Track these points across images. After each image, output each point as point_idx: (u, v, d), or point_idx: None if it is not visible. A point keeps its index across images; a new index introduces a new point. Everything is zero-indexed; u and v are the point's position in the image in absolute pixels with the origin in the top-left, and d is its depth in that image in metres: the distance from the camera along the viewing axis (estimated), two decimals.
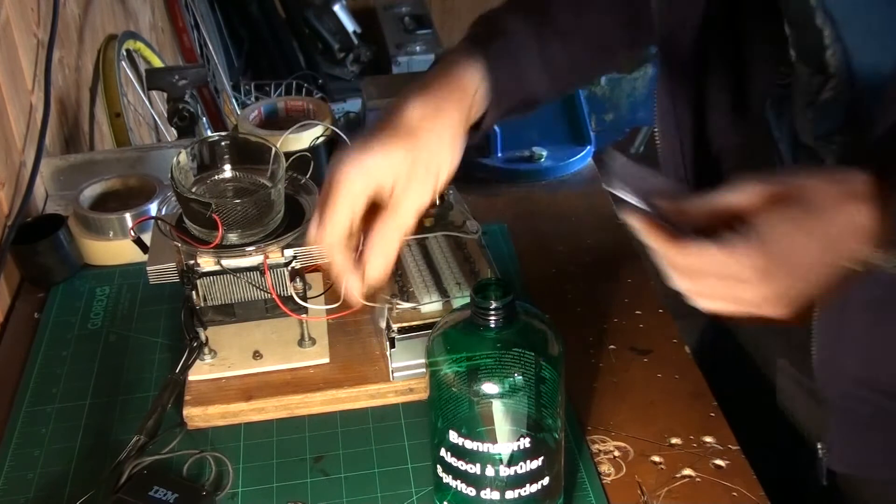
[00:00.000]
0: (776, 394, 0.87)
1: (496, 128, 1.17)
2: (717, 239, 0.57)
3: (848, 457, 0.79)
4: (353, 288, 0.68)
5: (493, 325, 0.64)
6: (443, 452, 0.67)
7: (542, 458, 0.67)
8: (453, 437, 0.66)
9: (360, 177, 0.66)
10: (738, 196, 0.58)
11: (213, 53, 2.67)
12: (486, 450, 0.65)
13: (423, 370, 0.78)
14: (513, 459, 0.66)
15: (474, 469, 0.66)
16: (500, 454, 0.65)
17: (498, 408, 0.65)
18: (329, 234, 0.66)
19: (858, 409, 0.76)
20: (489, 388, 0.64)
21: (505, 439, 0.65)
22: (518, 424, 0.66)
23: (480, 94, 0.73)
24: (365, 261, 0.67)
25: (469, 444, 0.65)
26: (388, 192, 0.67)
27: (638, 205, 0.61)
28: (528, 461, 0.66)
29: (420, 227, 0.94)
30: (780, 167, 0.76)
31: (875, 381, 0.74)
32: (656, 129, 0.80)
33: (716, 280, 0.58)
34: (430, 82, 0.71)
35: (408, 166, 0.66)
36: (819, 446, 0.79)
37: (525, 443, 0.65)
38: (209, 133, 1.81)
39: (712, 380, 0.85)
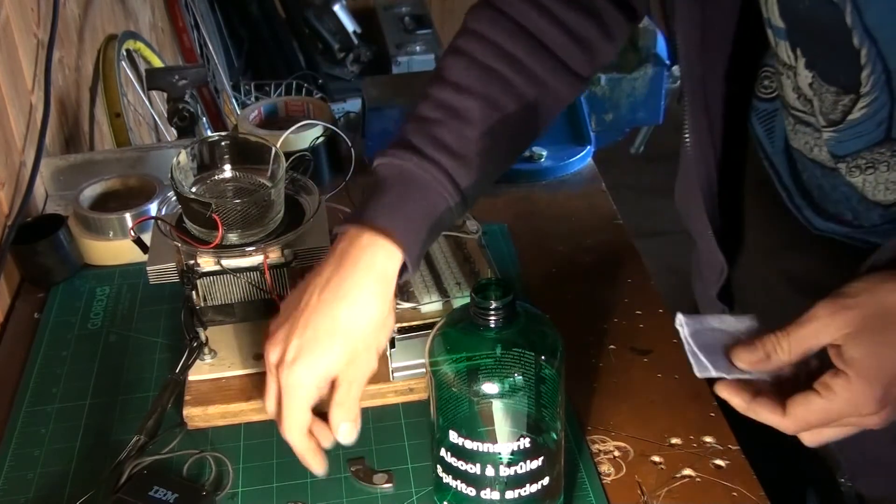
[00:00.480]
0: None
1: None
2: (819, 388, 0.59)
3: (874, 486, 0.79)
4: (316, 465, 0.72)
5: (493, 326, 0.64)
6: (443, 452, 0.67)
7: (542, 458, 0.67)
8: (453, 436, 0.66)
9: (309, 383, 0.69)
10: (818, 333, 0.59)
11: (213, 53, 2.67)
12: (486, 450, 0.65)
13: (423, 370, 0.78)
14: (513, 459, 0.66)
15: (474, 469, 0.66)
16: (500, 454, 0.65)
17: (498, 408, 0.65)
18: (291, 432, 0.70)
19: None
20: (489, 388, 0.64)
21: (505, 439, 0.65)
22: (518, 425, 0.66)
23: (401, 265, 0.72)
24: (333, 431, 0.71)
25: (469, 444, 0.65)
26: (337, 376, 0.71)
27: (730, 377, 0.62)
28: (528, 461, 0.66)
29: None
30: (781, 188, 0.75)
31: None
32: (687, 138, 0.78)
33: (837, 426, 0.60)
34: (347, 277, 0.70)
35: (349, 355, 0.69)
36: (841, 480, 0.80)
37: (525, 443, 0.65)
38: (209, 133, 1.81)
39: (712, 380, 0.85)
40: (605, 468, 0.77)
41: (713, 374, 0.62)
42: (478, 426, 0.66)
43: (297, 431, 0.70)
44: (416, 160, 0.73)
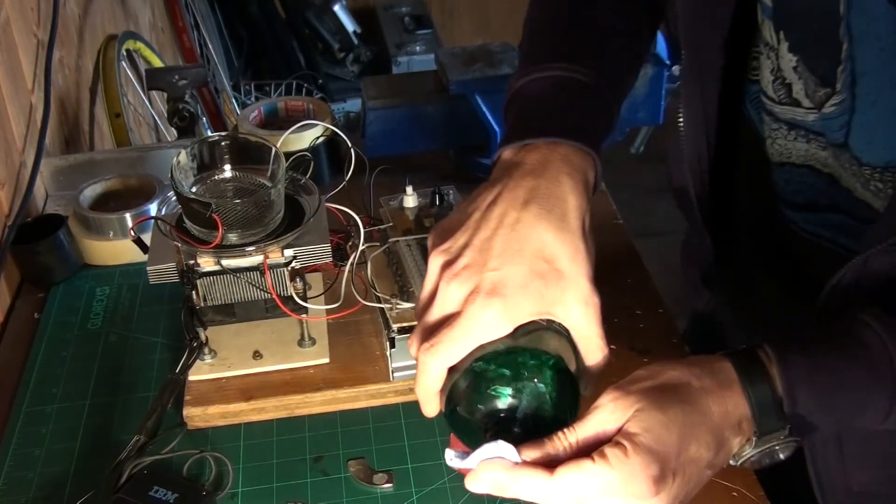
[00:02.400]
0: None
1: (496, 128, 1.17)
2: (595, 455, 0.54)
3: None
4: (433, 408, 0.63)
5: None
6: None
7: None
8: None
9: (502, 328, 0.60)
10: (604, 422, 0.56)
11: (213, 53, 2.67)
12: None
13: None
14: None
15: None
16: None
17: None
18: (440, 359, 0.60)
19: None
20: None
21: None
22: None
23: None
24: None
25: None
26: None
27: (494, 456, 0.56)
28: None
29: (420, 227, 0.94)
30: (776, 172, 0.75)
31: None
32: (681, 121, 0.77)
33: (606, 500, 0.54)
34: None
35: (558, 295, 0.61)
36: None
37: None
38: (209, 133, 1.81)
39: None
40: None
41: (476, 457, 0.56)
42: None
43: (444, 363, 0.60)
44: (565, 65, 0.69)
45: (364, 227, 0.83)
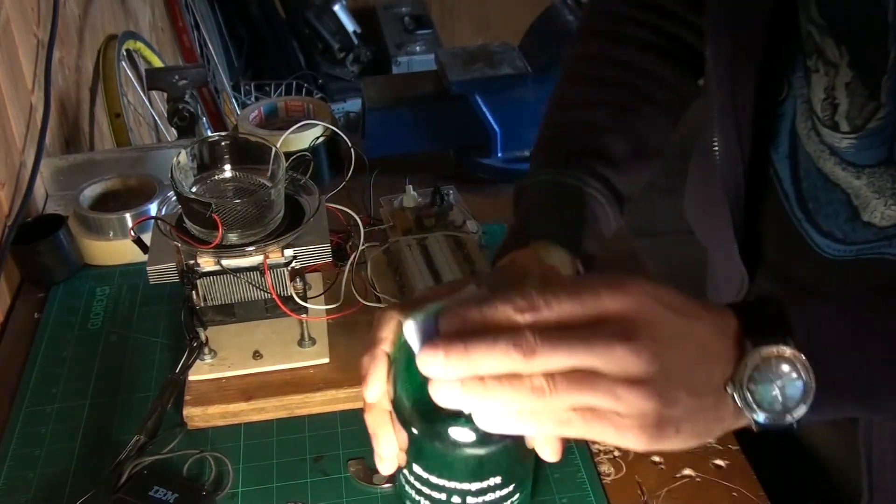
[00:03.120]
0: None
1: (496, 128, 1.17)
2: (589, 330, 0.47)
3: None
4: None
5: None
6: (406, 473, 0.64)
7: (513, 485, 0.63)
8: (417, 469, 0.62)
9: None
10: (616, 297, 0.49)
11: (213, 53, 2.67)
12: (452, 486, 0.61)
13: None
14: (482, 490, 0.62)
15: (440, 496, 0.63)
16: (469, 490, 0.61)
17: (471, 457, 0.58)
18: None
19: None
20: (462, 435, 0.56)
21: (476, 480, 0.61)
22: (492, 470, 0.61)
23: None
24: None
25: (435, 480, 0.62)
26: None
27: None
28: (497, 490, 0.62)
29: (420, 227, 0.94)
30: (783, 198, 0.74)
31: None
32: (716, 148, 0.75)
33: (582, 384, 0.47)
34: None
35: None
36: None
37: (496, 480, 0.61)
38: (209, 133, 1.81)
39: None
40: (605, 468, 0.77)
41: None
42: (445, 466, 0.60)
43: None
44: (560, 171, 0.74)
45: (364, 227, 0.83)
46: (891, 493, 0.73)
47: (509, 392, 0.48)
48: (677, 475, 0.76)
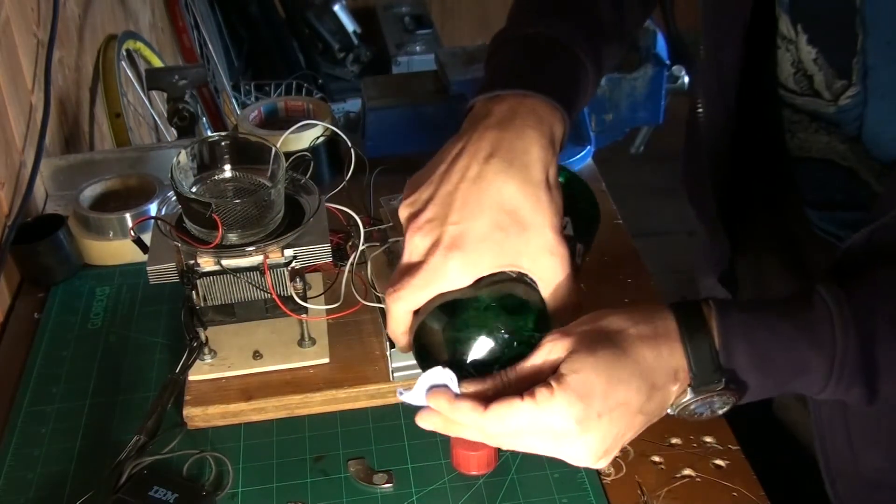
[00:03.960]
0: (771, 401, 0.87)
1: None
2: (525, 395, 0.58)
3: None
4: (405, 342, 0.68)
5: None
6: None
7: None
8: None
9: (462, 279, 0.63)
10: (541, 360, 0.59)
11: (213, 53, 2.67)
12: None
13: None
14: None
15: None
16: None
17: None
18: (406, 303, 0.65)
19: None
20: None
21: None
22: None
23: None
24: None
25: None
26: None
27: (437, 389, 0.61)
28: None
29: None
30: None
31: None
32: (700, 111, 0.77)
33: (534, 437, 0.59)
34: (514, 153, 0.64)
35: (520, 248, 0.63)
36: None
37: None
38: (209, 133, 1.81)
39: None
40: (605, 468, 0.77)
41: (421, 394, 0.62)
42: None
43: (406, 307, 0.64)
44: (554, 25, 0.71)
45: (364, 227, 0.83)
46: (850, 475, 0.74)
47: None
48: (677, 475, 0.76)
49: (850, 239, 0.63)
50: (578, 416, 0.57)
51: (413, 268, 0.63)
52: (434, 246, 0.62)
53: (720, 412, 0.61)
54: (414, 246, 0.63)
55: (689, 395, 0.60)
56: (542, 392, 0.57)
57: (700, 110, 0.76)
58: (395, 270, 0.65)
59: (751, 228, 0.83)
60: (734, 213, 0.82)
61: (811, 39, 0.66)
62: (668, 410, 0.61)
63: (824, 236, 0.73)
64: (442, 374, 0.61)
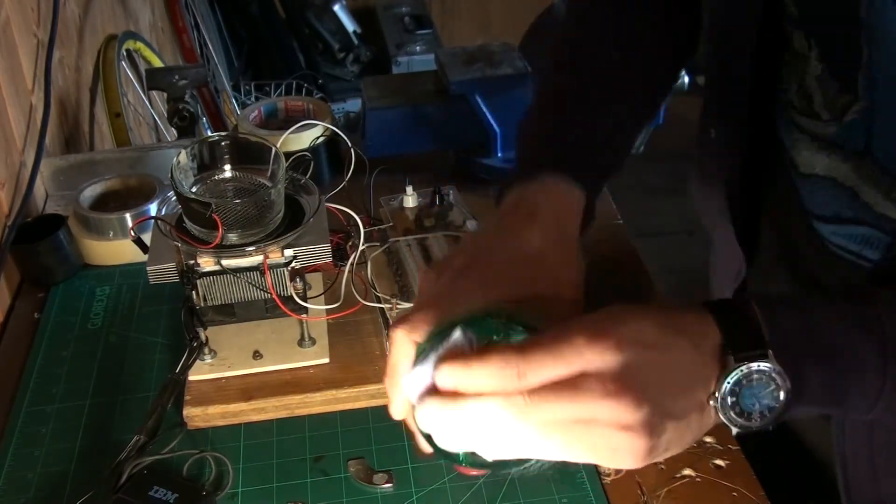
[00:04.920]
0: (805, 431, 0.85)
1: (496, 128, 1.17)
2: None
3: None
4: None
5: None
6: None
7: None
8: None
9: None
10: (575, 358, 0.51)
11: (213, 53, 2.67)
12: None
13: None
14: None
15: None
16: None
17: None
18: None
19: None
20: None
21: None
22: None
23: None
24: None
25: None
26: None
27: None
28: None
29: (420, 227, 0.94)
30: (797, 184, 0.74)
31: None
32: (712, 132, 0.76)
33: (584, 425, 0.50)
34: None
35: None
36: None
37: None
38: (209, 133, 1.81)
39: None
40: (605, 468, 0.77)
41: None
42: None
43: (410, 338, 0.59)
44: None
45: (364, 227, 0.83)
46: (867, 494, 0.74)
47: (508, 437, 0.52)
48: (677, 475, 0.76)
49: (874, 263, 0.62)
50: (646, 417, 0.50)
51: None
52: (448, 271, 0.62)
53: (775, 411, 0.54)
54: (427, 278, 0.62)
55: (729, 375, 0.53)
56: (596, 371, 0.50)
57: (713, 132, 0.75)
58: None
59: (762, 244, 0.82)
60: (748, 230, 0.81)
61: (821, 55, 0.65)
62: (711, 402, 0.54)
63: (838, 251, 0.72)
64: (457, 340, 0.54)
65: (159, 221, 0.82)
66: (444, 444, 0.53)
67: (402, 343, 0.58)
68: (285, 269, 0.82)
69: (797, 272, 0.79)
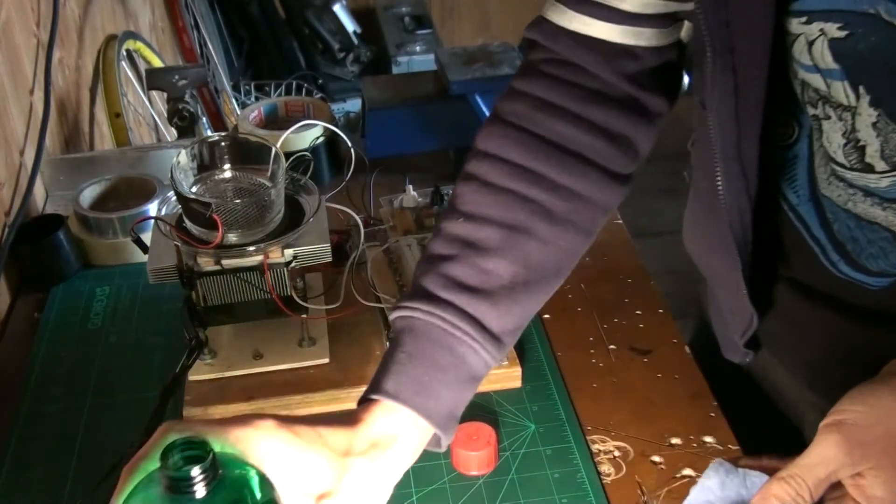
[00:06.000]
0: (803, 429, 0.85)
1: None
2: None
3: None
4: None
5: (199, 496, 0.51)
6: None
7: None
8: None
9: None
10: (837, 471, 0.59)
11: (213, 53, 2.67)
12: None
13: None
14: None
15: None
16: None
17: None
18: None
19: None
20: None
21: None
22: None
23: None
24: None
25: None
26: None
27: None
28: None
29: (420, 227, 0.94)
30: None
31: None
32: (720, 188, 0.70)
33: None
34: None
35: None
36: None
37: None
38: (209, 133, 1.81)
39: (712, 380, 0.85)
40: (605, 468, 0.77)
41: None
42: None
43: None
44: (427, 307, 0.65)
45: (364, 227, 0.83)
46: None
47: None
48: (677, 475, 0.76)
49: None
50: None
51: None
52: None
53: None
54: None
55: None
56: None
57: (721, 192, 0.70)
58: None
59: (776, 293, 0.78)
60: (758, 285, 0.76)
61: (873, 101, 0.61)
62: None
63: (851, 281, 0.71)
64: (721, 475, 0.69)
65: (159, 221, 0.82)
66: None
67: (165, 440, 0.55)
68: (285, 269, 0.82)
69: (813, 315, 0.76)
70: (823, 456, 0.59)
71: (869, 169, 0.64)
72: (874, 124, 0.62)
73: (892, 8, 0.55)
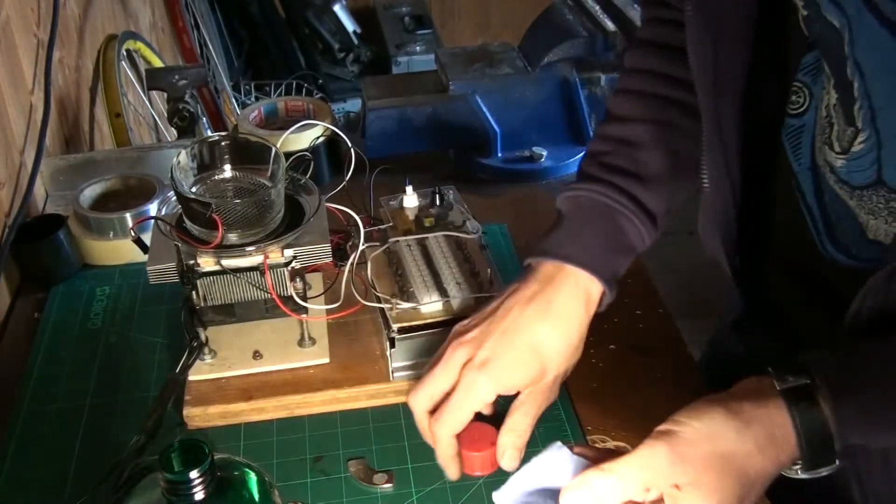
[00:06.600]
0: None
1: (496, 128, 1.17)
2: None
3: None
4: (453, 469, 0.74)
5: (198, 499, 0.52)
6: None
7: None
8: None
9: (489, 390, 0.72)
10: (656, 480, 0.60)
11: (213, 53, 2.67)
12: None
13: (424, 370, 0.78)
14: None
15: None
16: None
17: None
18: (445, 427, 0.72)
19: None
20: None
21: None
22: None
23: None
24: (499, 455, 0.73)
25: None
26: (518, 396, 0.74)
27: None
28: None
29: (420, 227, 0.94)
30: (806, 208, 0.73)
31: None
32: (704, 172, 0.76)
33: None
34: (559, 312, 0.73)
35: (538, 375, 0.72)
36: None
37: None
38: (209, 133, 1.81)
39: (712, 380, 0.85)
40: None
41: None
42: None
43: (450, 430, 0.72)
44: (592, 186, 0.77)
45: (364, 227, 0.83)
46: (884, 498, 0.73)
47: None
48: None
49: (864, 288, 0.63)
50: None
51: (449, 391, 0.72)
52: (467, 363, 0.71)
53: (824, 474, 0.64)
54: (452, 357, 0.72)
55: (798, 474, 0.63)
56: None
57: (705, 179, 0.76)
58: (425, 370, 0.74)
59: (766, 274, 0.81)
60: (748, 266, 0.80)
61: (837, 84, 0.64)
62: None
63: (845, 265, 0.72)
64: (556, 458, 0.65)
65: (159, 221, 0.82)
66: None
67: (446, 438, 0.73)
68: (285, 269, 0.82)
69: (807, 292, 0.77)
70: (647, 461, 0.60)
71: (831, 146, 0.67)
72: (834, 106, 0.65)
73: None
